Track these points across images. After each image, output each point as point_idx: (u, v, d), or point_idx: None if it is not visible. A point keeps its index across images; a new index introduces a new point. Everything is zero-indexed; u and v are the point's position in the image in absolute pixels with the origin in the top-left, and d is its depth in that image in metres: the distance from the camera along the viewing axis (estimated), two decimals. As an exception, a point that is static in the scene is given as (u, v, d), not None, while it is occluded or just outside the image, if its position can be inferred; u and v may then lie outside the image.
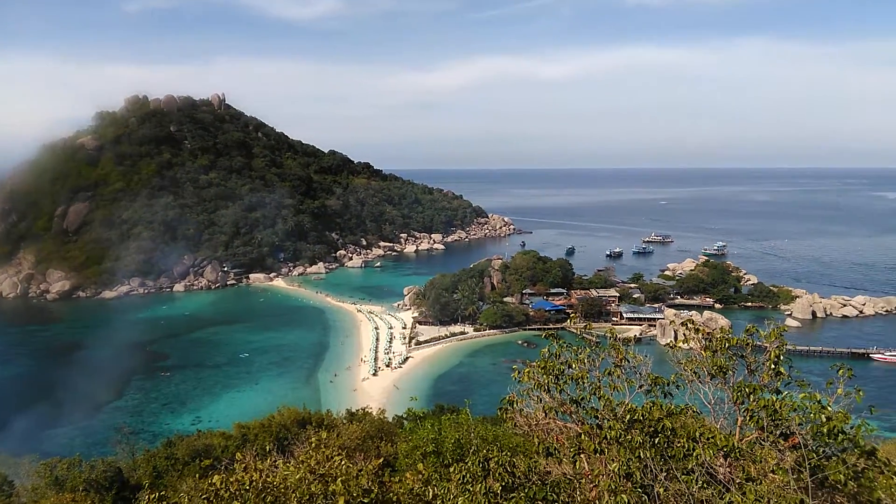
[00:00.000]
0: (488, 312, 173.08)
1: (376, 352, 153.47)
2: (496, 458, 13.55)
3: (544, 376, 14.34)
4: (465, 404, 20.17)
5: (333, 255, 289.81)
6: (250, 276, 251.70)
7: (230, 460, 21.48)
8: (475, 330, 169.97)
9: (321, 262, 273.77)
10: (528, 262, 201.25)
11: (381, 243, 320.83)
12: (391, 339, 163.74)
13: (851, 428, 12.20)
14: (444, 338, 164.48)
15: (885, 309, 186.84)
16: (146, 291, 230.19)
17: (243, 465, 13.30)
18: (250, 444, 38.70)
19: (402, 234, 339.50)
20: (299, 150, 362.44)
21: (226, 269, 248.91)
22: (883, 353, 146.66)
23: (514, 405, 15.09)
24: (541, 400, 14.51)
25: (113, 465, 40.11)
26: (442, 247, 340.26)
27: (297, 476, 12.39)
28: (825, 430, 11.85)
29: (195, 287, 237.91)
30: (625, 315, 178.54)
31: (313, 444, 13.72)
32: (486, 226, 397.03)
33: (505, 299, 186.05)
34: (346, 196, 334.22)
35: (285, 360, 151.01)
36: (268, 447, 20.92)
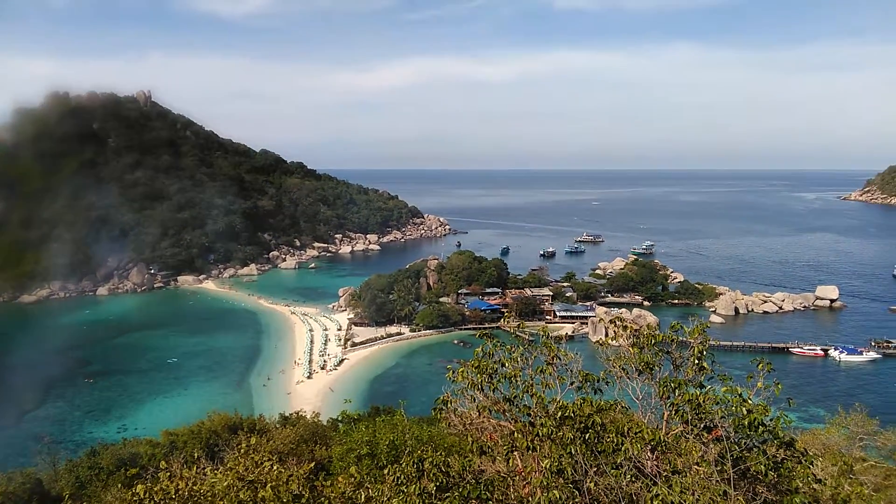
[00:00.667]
0: (424, 313, 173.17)
1: (311, 354, 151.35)
2: (431, 459, 13.56)
3: (478, 375, 14.45)
4: (400, 405, 20.13)
5: (266, 256, 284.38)
6: (179, 278, 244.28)
7: (158, 469, 20.79)
8: (411, 330, 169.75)
9: (253, 264, 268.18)
10: (464, 262, 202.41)
11: (316, 244, 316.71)
12: (326, 341, 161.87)
13: (771, 420, 12.74)
14: (380, 339, 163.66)
15: (802, 305, 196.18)
16: (68, 295, 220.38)
17: (169, 474, 12.88)
18: (178, 452, 37.58)
19: (336, 235, 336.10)
20: (230, 149, 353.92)
21: (153, 271, 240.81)
22: (801, 348, 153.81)
23: (449, 405, 15.15)
24: (475, 399, 14.62)
25: (32, 477, 38.29)
26: (377, 247, 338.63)
27: (226, 483, 12.10)
28: (746, 423, 12.34)
29: (120, 290, 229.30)
30: (558, 313, 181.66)
31: (242, 450, 13.42)
32: (422, 226, 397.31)
33: (441, 299, 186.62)
34: (278, 196, 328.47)
35: (216, 364, 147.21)
36: (196, 454, 20.33)
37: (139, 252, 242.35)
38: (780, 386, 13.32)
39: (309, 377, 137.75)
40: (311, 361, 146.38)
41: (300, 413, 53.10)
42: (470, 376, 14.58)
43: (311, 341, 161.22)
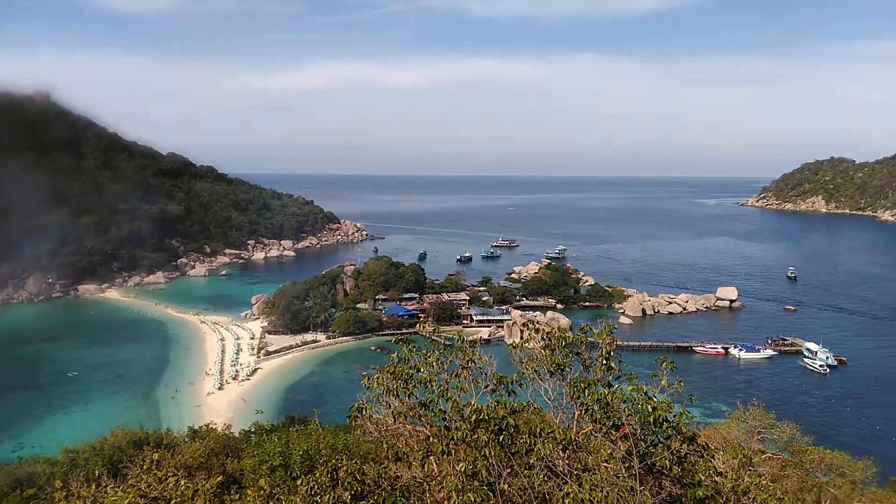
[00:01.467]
0: (341, 319, 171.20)
1: (222, 364, 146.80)
2: (345, 467, 13.40)
3: (393, 381, 14.39)
4: (315, 414, 19.79)
5: (174, 263, 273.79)
6: (79, 287, 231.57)
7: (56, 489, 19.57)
8: (328, 337, 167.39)
9: (160, 272, 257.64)
10: (381, 267, 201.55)
11: (227, 251, 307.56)
12: (238, 350, 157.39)
13: (674, 416, 13.26)
14: (295, 347, 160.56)
15: (704, 305, 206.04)
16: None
17: (66, 493, 12.16)
18: (79, 470, 35.55)
19: (249, 241, 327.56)
20: (135, 151, 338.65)
21: (51, 279, 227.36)
22: (704, 346, 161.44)
23: (364, 412, 15.01)
24: (390, 405, 14.55)
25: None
26: (292, 254, 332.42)
27: (126, 501, 11.52)
28: (651, 420, 12.81)
29: (15, 300, 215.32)
30: (475, 317, 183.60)
31: (146, 466, 12.82)
32: (338, 232, 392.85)
33: (358, 305, 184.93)
34: (187, 201, 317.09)
35: (120, 377, 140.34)
36: (98, 472, 19.29)
37: (36, 259, 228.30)
38: (682, 383, 13.89)
39: (220, 388, 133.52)
40: (222, 372, 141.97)
41: (210, 426, 51.24)
42: (385, 382, 14.51)
43: (223, 351, 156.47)
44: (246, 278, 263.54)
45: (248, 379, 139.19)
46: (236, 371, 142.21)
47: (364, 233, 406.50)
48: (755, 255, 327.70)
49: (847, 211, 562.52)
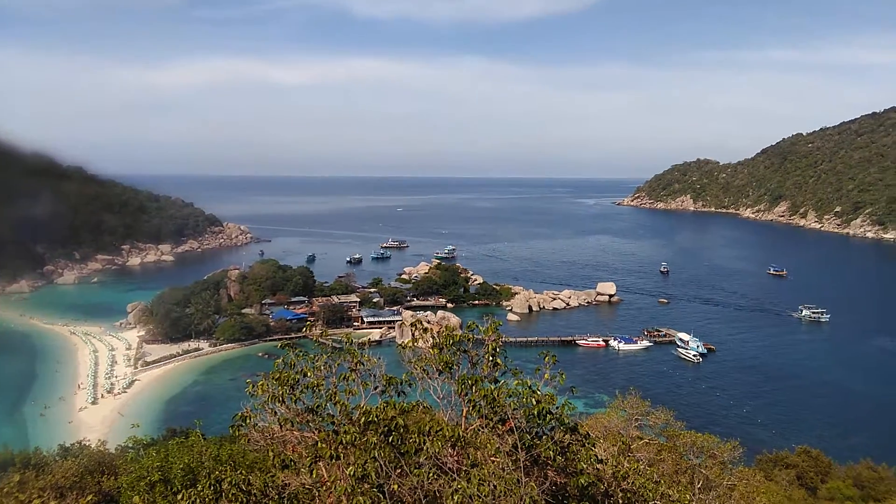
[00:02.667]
0: (226, 326, 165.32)
1: (95, 377, 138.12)
2: (229, 479, 12.98)
3: (279, 387, 14.06)
4: (196, 425, 18.98)
5: (39, 270, 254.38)
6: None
7: None
8: (212, 345, 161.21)
9: (24, 280, 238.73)
10: (268, 271, 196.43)
11: (100, 256, 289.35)
12: (113, 362, 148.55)
13: (557, 408, 13.74)
14: (176, 356, 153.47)
15: (586, 301, 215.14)
16: None
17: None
18: (-71, 501, 32.28)
19: (124, 246, 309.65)
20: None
21: None
22: (586, 339, 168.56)
23: (248, 420, 14.56)
24: (276, 412, 14.20)
25: None
26: (171, 258, 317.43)
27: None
28: (536, 412, 13.21)
29: None
30: (366, 319, 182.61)
31: (6, 489, 11.85)
32: (221, 235, 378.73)
33: (244, 311, 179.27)
34: (53, 203, 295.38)
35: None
36: (-50, 501, 17.57)
37: None
38: (563, 376, 14.42)
39: (94, 403, 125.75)
40: (96, 385, 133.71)
41: (84, 442, 48.04)
42: (270, 389, 14.16)
43: (96, 363, 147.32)
44: (121, 285, 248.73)
45: (125, 392, 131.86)
46: (111, 384, 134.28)
47: (249, 235, 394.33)
48: (631, 252, 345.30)
49: (713, 209, 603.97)
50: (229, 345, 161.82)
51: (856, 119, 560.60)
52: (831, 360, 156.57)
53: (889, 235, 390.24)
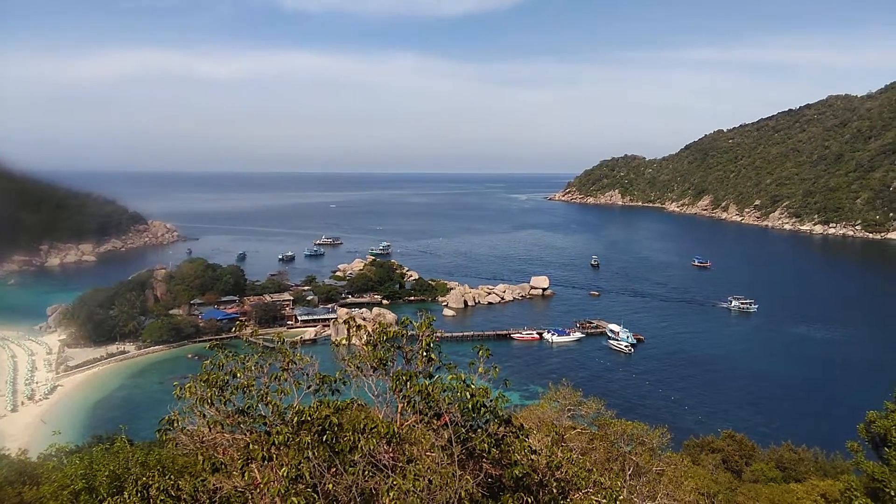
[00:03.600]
0: (153, 327, 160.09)
1: (15, 384, 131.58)
2: (157, 484, 12.60)
3: (207, 389, 13.70)
4: (122, 431, 18.35)
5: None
6: None
7: None
8: (138, 348, 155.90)
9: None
10: (197, 270, 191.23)
11: (15, 256, 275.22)
12: (34, 367, 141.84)
13: (491, 401, 13.86)
14: (101, 359, 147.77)
15: (520, 294, 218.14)
16: None
17: None
18: None
19: (42, 246, 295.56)
20: None
21: None
22: (521, 333, 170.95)
23: (176, 424, 14.13)
24: (204, 415, 13.83)
25: None
26: (94, 258, 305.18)
27: None
28: (470, 406, 13.28)
29: None
30: (300, 318, 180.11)
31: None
32: (146, 233, 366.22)
33: (171, 311, 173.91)
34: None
35: None
36: None
37: None
38: (497, 369, 14.56)
39: (14, 410, 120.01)
40: (15, 392, 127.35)
41: (3, 452, 45.83)
42: (198, 391, 13.78)
43: (14, 369, 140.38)
44: (39, 287, 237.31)
45: (47, 398, 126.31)
46: (32, 390, 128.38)
47: (175, 234, 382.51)
48: (563, 246, 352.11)
49: (640, 203, 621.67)
50: (157, 347, 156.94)
51: (773, 116, 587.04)
52: (757, 348, 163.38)
53: (805, 227, 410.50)
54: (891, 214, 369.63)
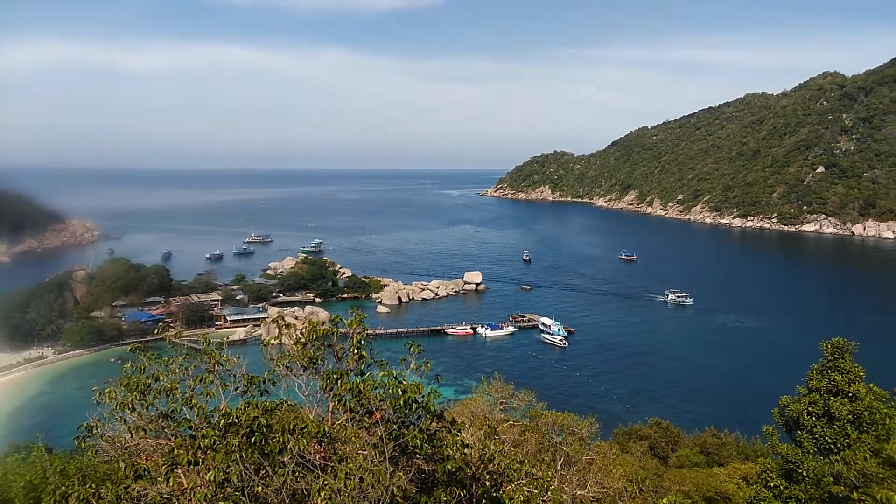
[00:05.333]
0: (73, 330, 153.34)
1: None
2: (77, 493, 12.12)
3: (128, 394, 13.24)
4: (38, 439, 17.56)
5: None
6: None
7: None
8: (58, 352, 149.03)
9: None
10: (119, 270, 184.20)
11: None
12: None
13: (423, 397, 13.89)
14: (17, 365, 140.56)
15: (454, 290, 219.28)
16: None
17: None
18: None
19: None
20: None
21: None
22: (454, 328, 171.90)
23: (96, 430, 13.60)
24: (126, 420, 13.36)
25: None
26: (7, 259, 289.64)
27: None
28: (402, 402, 13.27)
29: None
30: (229, 318, 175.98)
31: None
32: (64, 232, 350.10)
33: (93, 314, 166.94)
34: None
35: None
36: None
37: None
38: (429, 365, 14.59)
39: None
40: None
41: None
42: (119, 396, 13.29)
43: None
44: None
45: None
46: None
47: (96, 233, 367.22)
48: (495, 241, 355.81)
49: (570, 198, 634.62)
50: (78, 351, 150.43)
51: (694, 113, 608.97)
52: (686, 338, 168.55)
53: (725, 220, 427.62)
54: (804, 208, 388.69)
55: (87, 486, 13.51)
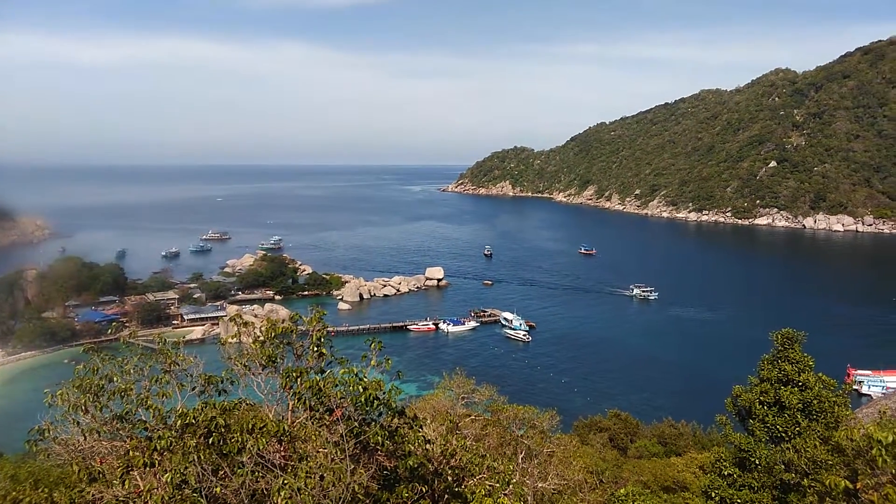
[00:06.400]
0: (24, 331, 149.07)
1: None
2: (29, 498, 11.84)
3: (82, 395, 12.94)
4: (-14, 445, 17.08)
5: None
6: None
7: None
8: (8, 354, 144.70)
9: None
10: (72, 269, 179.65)
11: None
12: None
13: (384, 394, 13.86)
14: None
15: (416, 286, 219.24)
16: None
17: None
18: None
19: None
20: None
21: None
22: (417, 324, 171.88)
23: (48, 433, 13.26)
24: (78, 423, 13.05)
25: None
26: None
27: None
28: (363, 399, 13.23)
29: None
30: (187, 317, 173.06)
31: None
32: (13, 231, 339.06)
33: (45, 314, 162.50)
34: None
35: None
36: None
37: None
38: (390, 361, 14.58)
39: None
40: None
41: None
42: (72, 397, 12.98)
43: None
44: None
45: None
46: None
47: (47, 231, 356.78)
48: (457, 237, 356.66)
49: (530, 194, 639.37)
50: (29, 352, 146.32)
51: (651, 109, 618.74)
52: (646, 331, 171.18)
53: (681, 214, 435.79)
54: (757, 202, 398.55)
55: (40, 490, 13.20)
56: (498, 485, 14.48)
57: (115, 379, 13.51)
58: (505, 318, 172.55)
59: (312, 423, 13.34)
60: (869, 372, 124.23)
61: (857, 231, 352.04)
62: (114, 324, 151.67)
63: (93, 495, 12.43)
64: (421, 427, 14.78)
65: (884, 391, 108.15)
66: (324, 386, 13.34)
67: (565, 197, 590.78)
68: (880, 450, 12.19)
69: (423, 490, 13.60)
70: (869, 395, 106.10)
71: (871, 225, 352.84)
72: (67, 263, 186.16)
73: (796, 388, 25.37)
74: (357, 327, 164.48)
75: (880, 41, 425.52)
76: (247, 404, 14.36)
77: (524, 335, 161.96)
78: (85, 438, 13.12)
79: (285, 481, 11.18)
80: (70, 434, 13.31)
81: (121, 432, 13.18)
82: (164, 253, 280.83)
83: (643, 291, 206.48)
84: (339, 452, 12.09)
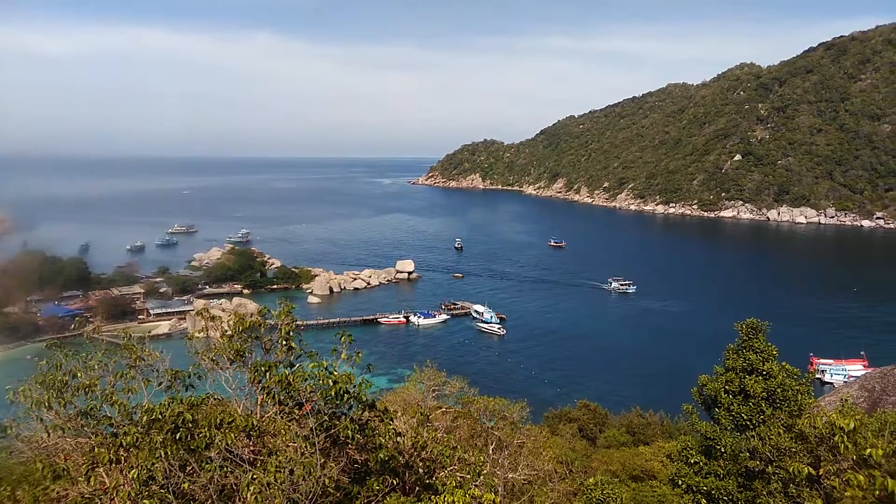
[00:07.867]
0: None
1: None
2: (-10, 498, 11.55)
3: (45, 392, 12.71)
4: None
5: None
6: None
7: None
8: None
9: None
10: (33, 263, 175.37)
11: None
12: None
13: (355, 387, 13.84)
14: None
15: (386, 279, 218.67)
16: None
17: None
18: None
19: None
20: None
21: None
22: (387, 317, 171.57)
23: (10, 430, 13.03)
24: (42, 419, 12.82)
25: None
26: None
27: None
28: (333, 393, 13.19)
29: None
30: (153, 311, 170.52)
31: None
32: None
33: (6, 309, 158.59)
34: None
35: None
36: None
37: None
38: (360, 354, 14.55)
39: None
40: None
41: None
42: (34, 394, 12.74)
43: None
44: None
45: None
46: None
47: (6, 223, 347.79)
48: (427, 230, 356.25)
49: (500, 186, 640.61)
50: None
51: (619, 102, 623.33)
52: (617, 323, 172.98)
53: (648, 207, 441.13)
54: (723, 194, 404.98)
55: (3, 488, 12.96)
56: (469, 476, 14.57)
57: (79, 375, 13.30)
58: (476, 311, 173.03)
59: (282, 417, 13.27)
60: (831, 361, 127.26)
61: (819, 223, 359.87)
62: (77, 319, 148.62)
63: (57, 493, 12.26)
64: (391, 420, 14.81)
65: (845, 379, 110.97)
66: (293, 380, 13.28)
67: (535, 190, 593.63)
68: (842, 436, 12.54)
69: (394, 483, 13.63)
70: (831, 384, 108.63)
71: (832, 217, 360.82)
72: (29, 257, 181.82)
73: (760, 377, 25.88)
74: (327, 321, 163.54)
75: (842, 37, 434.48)
76: (215, 399, 14.24)
77: (498, 328, 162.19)
78: (49, 435, 12.92)
79: (254, 476, 11.12)
80: (33, 431, 13.10)
81: (85, 429, 13.00)
82: (128, 247, 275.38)
83: (621, 285, 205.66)
84: (308, 446, 12.04)
